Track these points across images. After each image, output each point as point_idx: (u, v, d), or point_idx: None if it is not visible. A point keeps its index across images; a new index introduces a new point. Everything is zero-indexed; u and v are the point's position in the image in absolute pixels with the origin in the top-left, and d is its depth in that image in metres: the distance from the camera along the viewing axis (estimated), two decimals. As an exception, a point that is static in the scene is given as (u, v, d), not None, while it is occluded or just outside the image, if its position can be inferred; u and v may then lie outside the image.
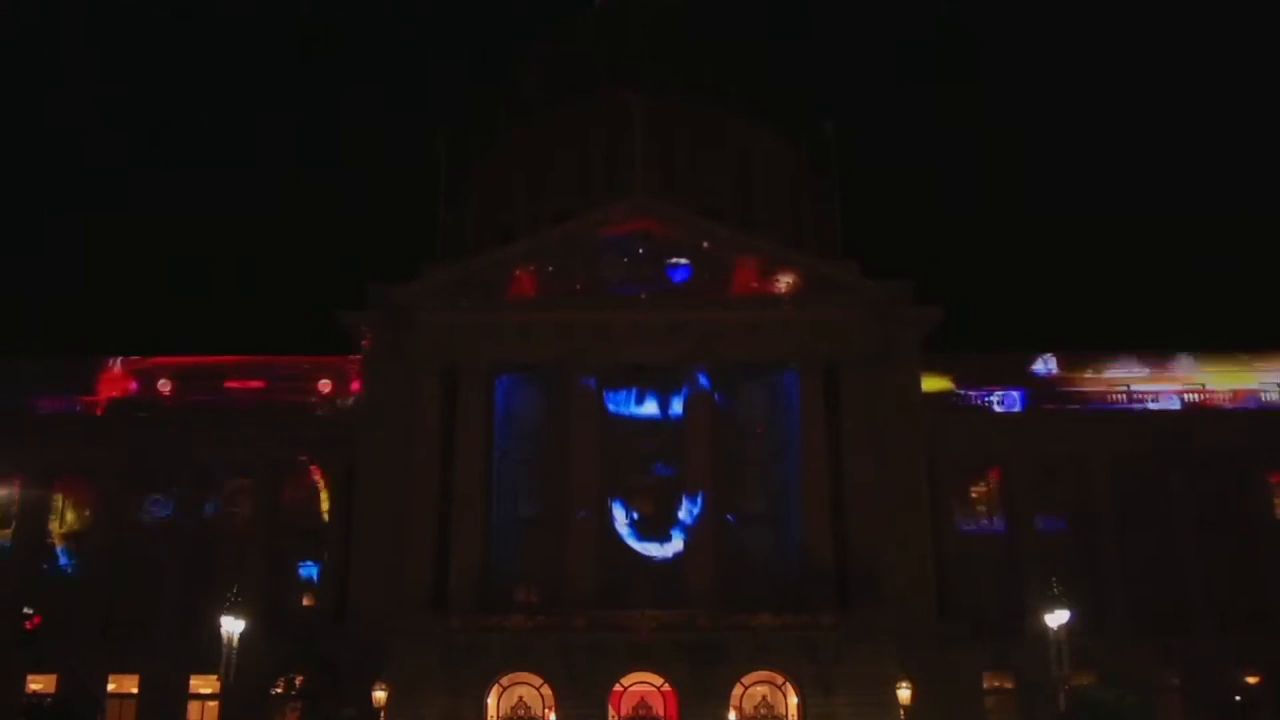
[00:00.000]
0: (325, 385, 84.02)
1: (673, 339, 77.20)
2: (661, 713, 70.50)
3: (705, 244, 78.70)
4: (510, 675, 70.34)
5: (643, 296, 77.46)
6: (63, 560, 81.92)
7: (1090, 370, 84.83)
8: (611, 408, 79.00)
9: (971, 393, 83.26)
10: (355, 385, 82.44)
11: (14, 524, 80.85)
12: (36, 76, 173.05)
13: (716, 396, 78.08)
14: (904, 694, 66.44)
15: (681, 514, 76.03)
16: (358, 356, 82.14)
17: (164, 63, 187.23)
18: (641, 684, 70.49)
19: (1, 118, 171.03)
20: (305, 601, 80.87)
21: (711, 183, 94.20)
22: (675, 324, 77.24)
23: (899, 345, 79.32)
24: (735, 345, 77.27)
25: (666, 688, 70.13)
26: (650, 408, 79.50)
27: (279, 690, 71.13)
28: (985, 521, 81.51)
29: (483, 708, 69.67)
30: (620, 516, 77.48)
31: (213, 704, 75.36)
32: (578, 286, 77.97)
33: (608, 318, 77.45)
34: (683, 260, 78.34)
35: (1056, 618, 59.60)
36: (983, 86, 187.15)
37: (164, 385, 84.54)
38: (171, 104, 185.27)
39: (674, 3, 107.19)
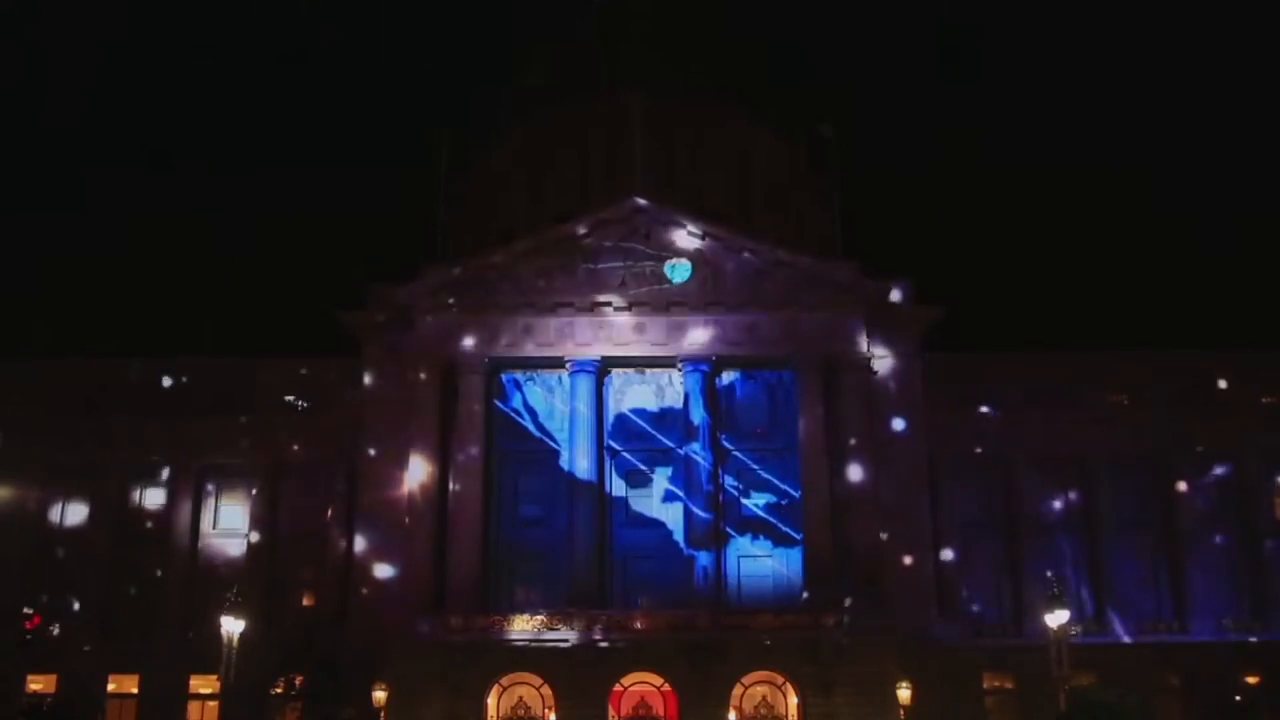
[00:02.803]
0: (325, 385, 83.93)
1: (672, 339, 77.41)
2: (661, 713, 70.50)
3: (705, 244, 78.79)
4: (510, 675, 70.28)
5: (642, 296, 77.52)
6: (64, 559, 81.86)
7: (1091, 369, 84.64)
8: (610, 408, 79.08)
9: (971, 392, 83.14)
10: (355, 385, 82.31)
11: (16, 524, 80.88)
12: (36, 74, 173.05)
13: (716, 396, 78.13)
14: (904, 694, 66.48)
15: (682, 514, 76.19)
16: (358, 357, 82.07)
17: (164, 62, 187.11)
18: (641, 684, 70.46)
19: (1, 117, 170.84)
20: (305, 601, 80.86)
21: (711, 182, 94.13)
22: (674, 324, 77.45)
23: (899, 345, 79.43)
24: (735, 345, 77.42)
25: (666, 688, 70.11)
26: (650, 407, 79.55)
27: (279, 690, 70.94)
28: (985, 521, 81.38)
29: (483, 708, 69.65)
30: (620, 516, 77.52)
31: (213, 704, 74.99)
32: (577, 286, 78.02)
33: (607, 318, 77.56)
34: (682, 260, 78.42)
35: (1056, 618, 59.50)
36: (983, 86, 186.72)
37: (165, 385, 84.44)
38: (171, 103, 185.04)
39: (673, 3, 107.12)
